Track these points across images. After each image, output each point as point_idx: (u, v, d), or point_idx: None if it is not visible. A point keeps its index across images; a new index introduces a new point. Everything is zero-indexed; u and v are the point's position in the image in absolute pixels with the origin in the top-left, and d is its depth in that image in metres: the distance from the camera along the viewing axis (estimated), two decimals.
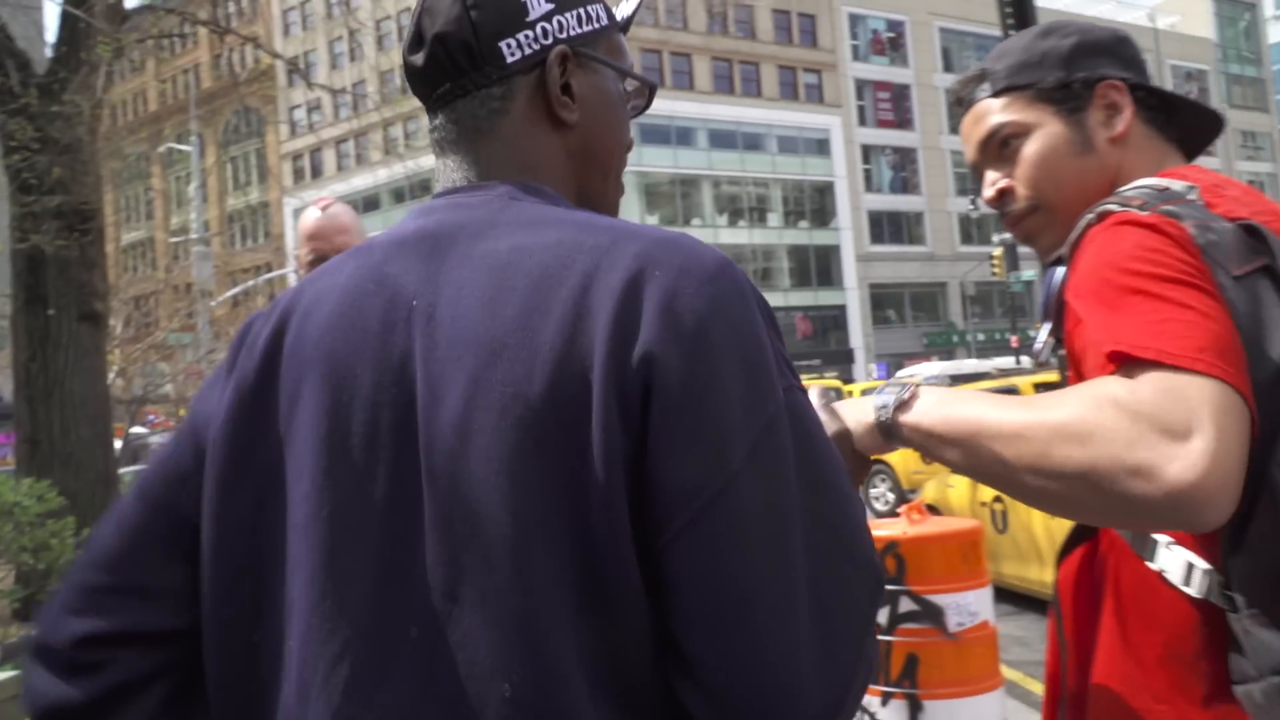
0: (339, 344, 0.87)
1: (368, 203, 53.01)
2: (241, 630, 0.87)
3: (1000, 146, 1.30)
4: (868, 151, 53.45)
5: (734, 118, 50.35)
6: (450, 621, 0.79)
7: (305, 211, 2.91)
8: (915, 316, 54.85)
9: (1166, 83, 65.56)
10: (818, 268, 52.47)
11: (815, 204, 53.23)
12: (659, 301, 0.80)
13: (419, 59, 0.98)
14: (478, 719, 0.78)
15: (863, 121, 53.92)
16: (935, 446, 1.07)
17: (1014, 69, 1.29)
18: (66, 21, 8.42)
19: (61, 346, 8.51)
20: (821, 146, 52.82)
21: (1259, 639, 0.98)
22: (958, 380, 18.85)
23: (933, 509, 8.89)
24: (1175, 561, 1.08)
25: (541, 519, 0.78)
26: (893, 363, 45.17)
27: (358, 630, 0.82)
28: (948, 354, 47.77)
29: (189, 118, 24.56)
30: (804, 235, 52.44)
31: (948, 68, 55.67)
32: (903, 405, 1.10)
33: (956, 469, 1.08)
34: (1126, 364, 0.96)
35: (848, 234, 52.81)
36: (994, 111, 1.30)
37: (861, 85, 54.52)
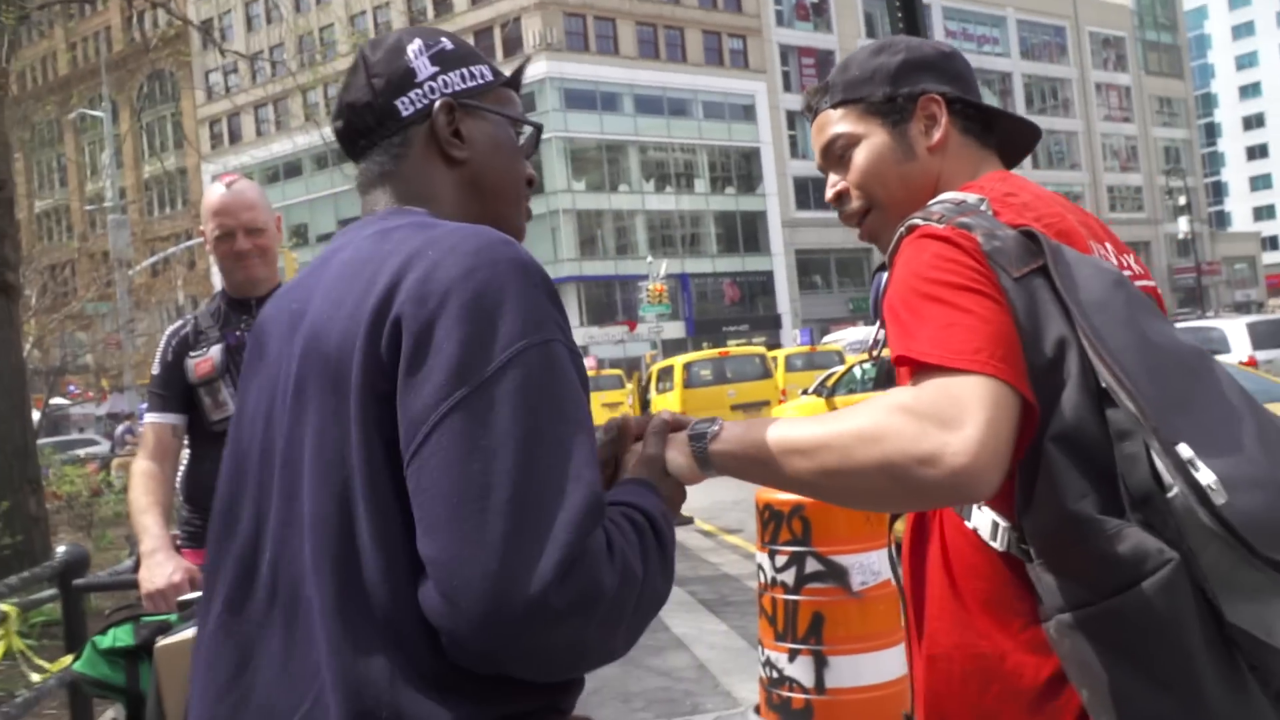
0: (267, 337, 1.18)
1: (289, 169, 51.94)
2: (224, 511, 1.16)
3: (839, 154, 1.47)
4: (793, 117, 53.75)
5: (660, 83, 50.33)
6: (276, 524, 1.08)
7: (210, 187, 2.92)
8: (841, 282, 55.59)
9: (1084, 49, 66.90)
10: (744, 234, 52.85)
11: (742, 170, 53.51)
12: (419, 275, 1.00)
13: (340, 125, 1.24)
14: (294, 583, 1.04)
15: (788, 87, 54.21)
16: (747, 468, 1.22)
17: (850, 84, 1.45)
18: None
19: None
20: (747, 112, 53.05)
21: (1046, 584, 1.17)
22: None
23: None
24: (984, 521, 1.27)
25: (323, 449, 1.03)
26: (818, 328, 45.81)
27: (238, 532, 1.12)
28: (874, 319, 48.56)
29: (100, 83, 23.85)
30: (730, 201, 52.74)
31: (871, 33, 56.14)
32: (714, 438, 1.24)
33: (770, 485, 1.25)
34: (916, 369, 1.17)
35: (774, 200, 53.23)
36: (833, 122, 1.47)
37: (786, 51, 54.78)
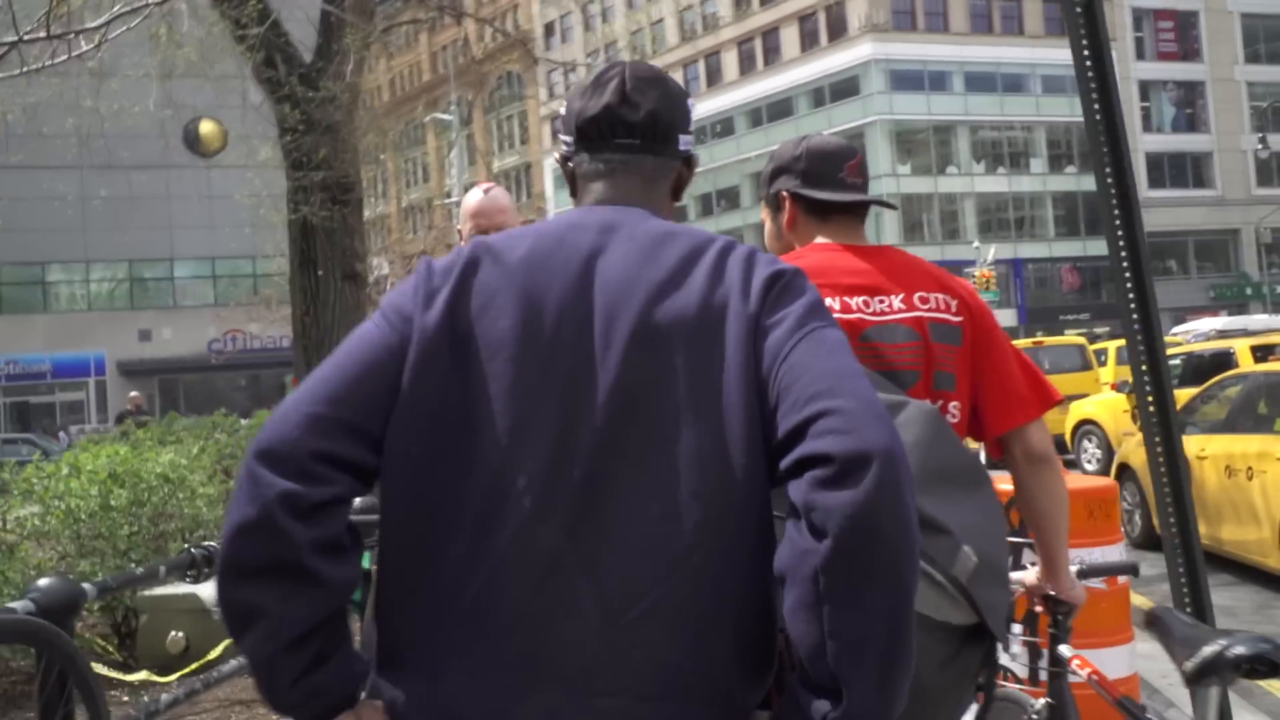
0: (533, 272, 1.30)
1: None
2: (424, 466, 1.24)
3: (762, 229, 2.21)
4: (1145, 88, 49.45)
5: (993, 58, 47.94)
6: (609, 469, 1.22)
7: (470, 192, 3.33)
8: (1200, 267, 50.56)
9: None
10: (1087, 216, 49.32)
11: (1084, 147, 49.79)
12: (761, 272, 1.32)
13: (635, 116, 1.46)
14: (632, 530, 1.21)
15: (1140, 54, 49.84)
16: None
17: (760, 184, 2.19)
18: (324, 16, 9.50)
19: (329, 304, 9.72)
20: None
21: None
22: (1226, 335, 17.40)
23: (1124, 467, 8.61)
24: None
25: (686, 400, 1.24)
26: (1172, 317, 41.95)
27: (534, 474, 1.22)
28: (1240, 308, 43.79)
29: (450, 89, 26.37)
30: (1071, 181, 49.37)
31: None
32: None
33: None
34: None
35: None
36: (762, 212, 2.21)
37: (1140, 14, 50.33)
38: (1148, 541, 8.07)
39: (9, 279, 36.32)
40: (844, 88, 47.66)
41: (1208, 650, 2.04)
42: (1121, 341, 23.05)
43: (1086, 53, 2.82)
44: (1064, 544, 2.11)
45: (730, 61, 52.72)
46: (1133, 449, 8.37)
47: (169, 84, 12.16)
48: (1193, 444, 6.96)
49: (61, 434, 30.09)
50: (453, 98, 19.86)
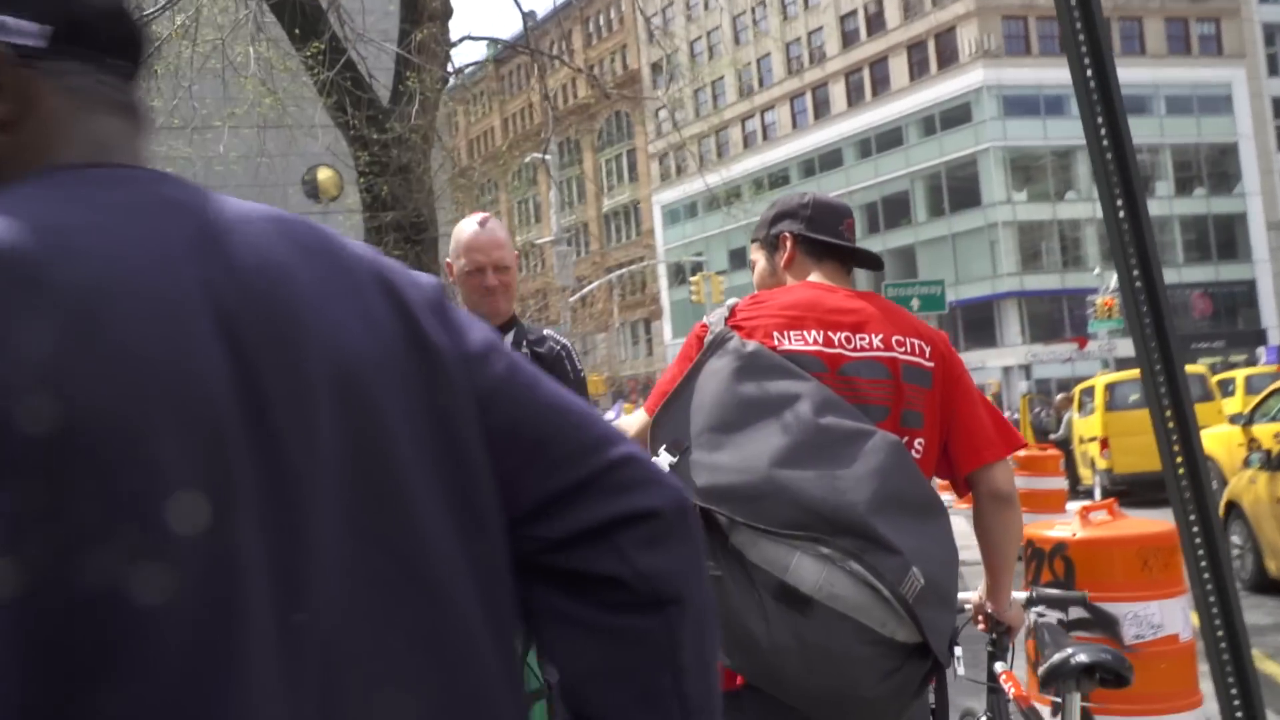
0: None
1: (708, 201, 54.46)
2: None
3: (751, 267, 2.39)
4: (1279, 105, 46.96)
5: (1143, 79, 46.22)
6: None
7: (462, 223, 3.10)
8: None
9: None
10: (1218, 239, 46.95)
11: (1214, 168, 47.58)
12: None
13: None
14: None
15: (1274, 71, 47.38)
16: None
17: (757, 227, 2.35)
18: (398, 59, 9.64)
19: None
20: (1220, 104, 47.09)
21: None
22: None
23: (1232, 505, 7.92)
24: None
25: None
26: None
27: None
28: None
29: (552, 130, 26.78)
30: (1200, 204, 47.10)
31: None
32: None
33: None
34: None
35: (1255, 200, 46.72)
36: (753, 251, 2.37)
37: (1272, 30, 47.92)
38: (1261, 584, 7.41)
39: None
40: (955, 115, 46.60)
41: (1055, 658, 2.40)
42: (1252, 370, 21.66)
43: (1087, 62, 2.49)
44: (1010, 572, 2.30)
45: (838, 93, 52.17)
46: (1243, 486, 7.74)
47: (265, 133, 12.58)
48: None
49: None
50: (549, 138, 20.09)
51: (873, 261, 2.35)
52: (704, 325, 2.09)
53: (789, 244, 2.24)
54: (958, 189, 47.03)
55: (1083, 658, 2.38)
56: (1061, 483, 10.39)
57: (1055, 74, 45.16)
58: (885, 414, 2.01)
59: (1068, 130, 45.95)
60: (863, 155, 50.55)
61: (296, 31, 9.20)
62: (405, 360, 0.86)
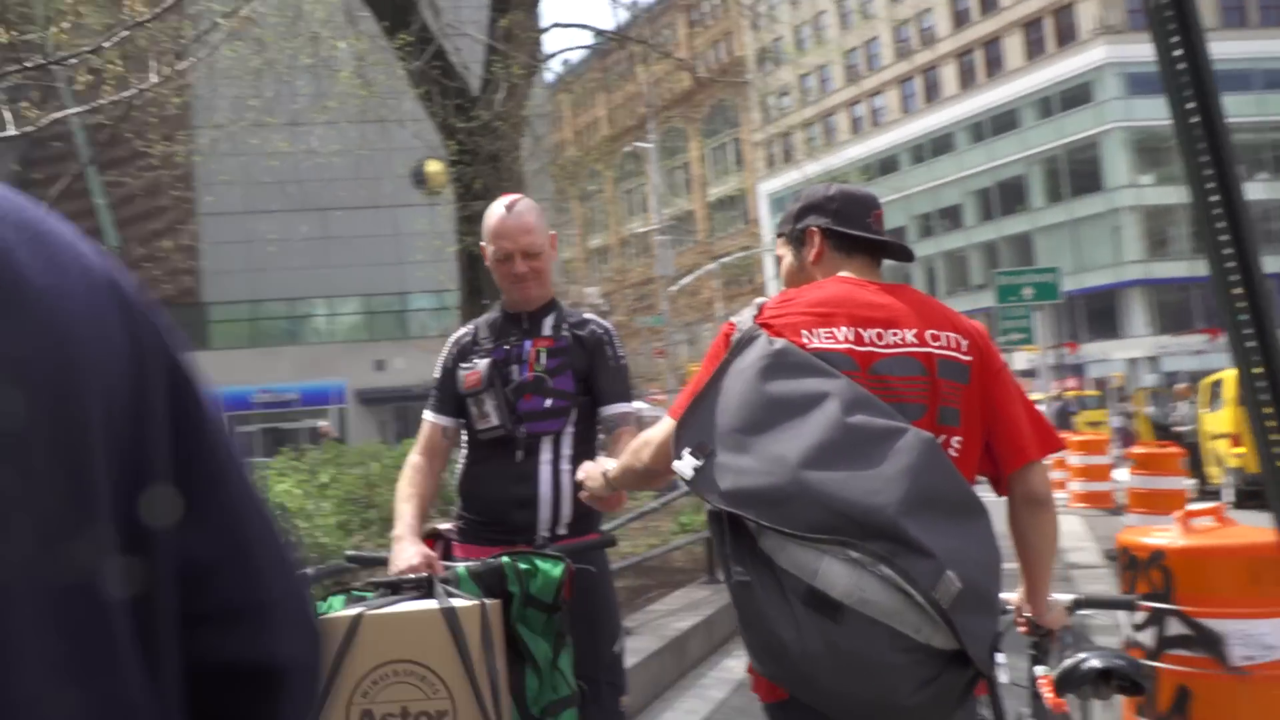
0: None
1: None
2: None
3: (777, 263, 2.34)
4: None
5: (1249, 53, 43.69)
6: None
7: (491, 208, 2.96)
8: None
9: None
10: None
11: None
12: None
13: None
14: None
15: None
16: (617, 481, 2.35)
17: (781, 221, 2.30)
18: (488, 49, 9.61)
19: None
20: None
21: None
22: None
23: None
24: None
25: None
26: None
27: None
28: None
29: (654, 118, 26.76)
30: None
31: None
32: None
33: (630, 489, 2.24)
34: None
35: None
36: (778, 247, 2.32)
37: None
38: None
39: (261, 314, 39.54)
40: (1075, 95, 44.81)
41: (1067, 663, 2.33)
42: None
43: (1176, 40, 2.19)
44: (1049, 575, 2.24)
45: (949, 75, 50.71)
46: None
47: (364, 127, 12.73)
48: None
49: None
50: (650, 129, 20.12)
51: (903, 253, 2.24)
52: (732, 324, 2.03)
53: (816, 239, 2.18)
54: (1078, 172, 45.32)
55: (1095, 663, 2.29)
56: (1184, 482, 9.81)
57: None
58: (922, 412, 1.95)
59: None
60: (976, 139, 49.09)
61: (386, 24, 9.25)
62: None
